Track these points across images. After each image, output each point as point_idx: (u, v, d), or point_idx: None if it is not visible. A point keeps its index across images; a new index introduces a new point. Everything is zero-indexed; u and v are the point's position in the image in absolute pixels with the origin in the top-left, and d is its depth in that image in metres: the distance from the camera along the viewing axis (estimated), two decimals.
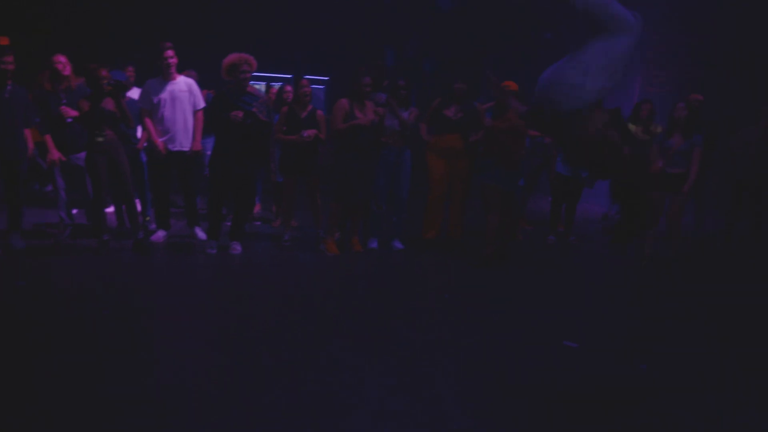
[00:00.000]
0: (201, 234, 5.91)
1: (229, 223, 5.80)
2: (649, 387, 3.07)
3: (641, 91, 9.01)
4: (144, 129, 5.79)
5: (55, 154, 5.35)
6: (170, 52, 5.54)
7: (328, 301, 4.37)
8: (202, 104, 5.78)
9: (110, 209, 6.52)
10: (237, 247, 5.52)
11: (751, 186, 6.59)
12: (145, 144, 5.88)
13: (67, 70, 5.46)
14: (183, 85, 5.69)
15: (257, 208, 7.32)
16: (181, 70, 5.76)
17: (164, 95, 5.61)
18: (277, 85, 7.71)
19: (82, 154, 5.37)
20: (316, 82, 14.02)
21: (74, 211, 5.95)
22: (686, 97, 6.84)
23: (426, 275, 5.29)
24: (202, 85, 6.05)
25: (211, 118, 5.52)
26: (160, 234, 5.85)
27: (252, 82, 5.79)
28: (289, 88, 6.51)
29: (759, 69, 8.56)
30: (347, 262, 5.47)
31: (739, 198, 6.75)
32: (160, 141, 5.60)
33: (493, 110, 5.61)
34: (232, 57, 5.24)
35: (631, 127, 6.34)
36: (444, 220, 6.26)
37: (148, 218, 6.19)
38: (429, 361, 3.29)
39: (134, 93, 6.11)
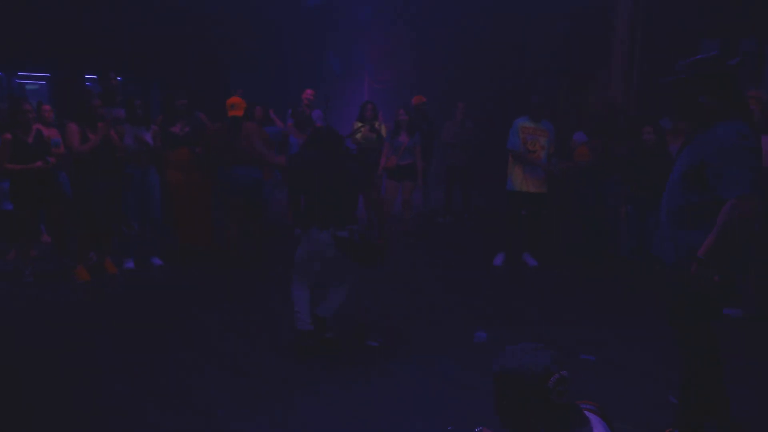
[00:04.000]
0: None
1: None
2: None
3: (369, 88, 10.16)
4: None
5: None
6: None
7: (85, 336, 4.25)
8: None
9: None
10: None
11: (459, 169, 8.16)
12: None
13: None
14: None
15: None
16: None
17: None
18: None
19: None
20: (33, 78, 12.51)
21: None
22: (411, 100, 8.00)
23: (187, 288, 5.38)
24: None
25: None
26: None
27: None
28: None
29: (467, 68, 10.29)
30: (103, 286, 5.31)
31: (452, 179, 8.28)
32: None
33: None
34: None
35: (358, 124, 7.25)
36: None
37: None
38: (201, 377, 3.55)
39: None
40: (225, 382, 3.48)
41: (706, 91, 2.43)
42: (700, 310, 2.52)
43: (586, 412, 1.54)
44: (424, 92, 8.40)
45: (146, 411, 3.15)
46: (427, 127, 8.03)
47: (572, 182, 6.23)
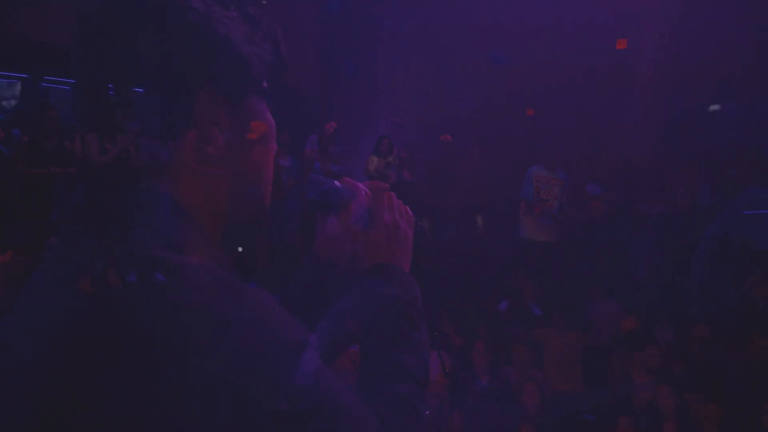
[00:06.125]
0: None
1: None
2: None
3: (386, 123, 10.15)
4: None
5: None
6: None
7: None
8: None
9: None
10: None
11: None
12: None
13: None
14: None
15: None
16: None
17: None
18: None
19: None
20: (60, 83, 12.71)
21: None
22: (440, 138, 8.07)
23: None
24: None
25: None
26: None
27: None
28: None
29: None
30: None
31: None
32: None
33: None
34: None
35: (373, 159, 7.26)
36: None
37: None
38: None
39: None
40: None
41: None
42: None
43: None
44: (442, 131, 8.42)
45: None
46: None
47: (585, 234, 6.15)
